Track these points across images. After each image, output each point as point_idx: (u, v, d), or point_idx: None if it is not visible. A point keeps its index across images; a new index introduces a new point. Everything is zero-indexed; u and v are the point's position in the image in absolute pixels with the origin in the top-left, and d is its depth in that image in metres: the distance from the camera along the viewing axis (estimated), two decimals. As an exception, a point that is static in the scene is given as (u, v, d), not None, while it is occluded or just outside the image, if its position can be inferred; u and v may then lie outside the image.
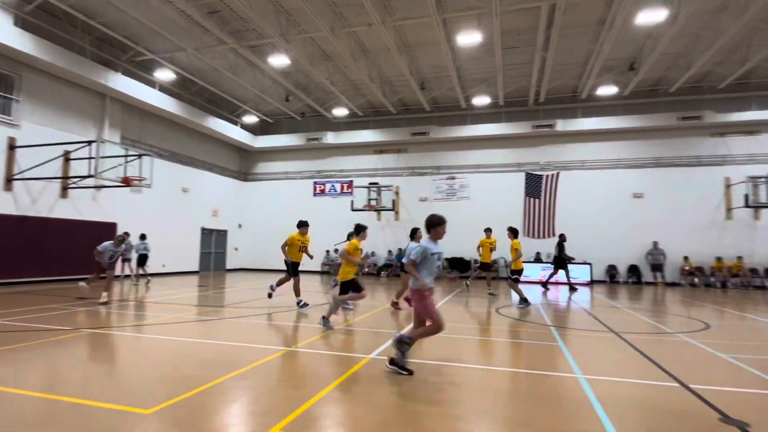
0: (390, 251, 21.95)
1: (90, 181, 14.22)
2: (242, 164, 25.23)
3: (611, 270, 19.09)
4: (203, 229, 21.64)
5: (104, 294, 9.59)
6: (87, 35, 15.11)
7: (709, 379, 4.68)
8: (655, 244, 18.29)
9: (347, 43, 15.05)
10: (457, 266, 20.79)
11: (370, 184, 21.68)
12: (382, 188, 21.58)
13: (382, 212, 21.98)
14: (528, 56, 16.12)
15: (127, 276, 15.52)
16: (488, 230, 13.11)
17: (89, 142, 13.36)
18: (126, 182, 14.10)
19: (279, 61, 15.89)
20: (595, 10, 13.39)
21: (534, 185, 19.72)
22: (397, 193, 21.96)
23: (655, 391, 4.29)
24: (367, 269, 21.88)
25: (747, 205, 17.00)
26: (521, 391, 4.31)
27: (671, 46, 15.00)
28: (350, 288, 7.46)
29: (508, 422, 3.45)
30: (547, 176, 19.56)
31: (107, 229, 15.96)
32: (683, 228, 18.48)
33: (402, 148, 22.72)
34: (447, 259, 21.07)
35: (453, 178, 21.58)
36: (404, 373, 4.55)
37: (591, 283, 18.25)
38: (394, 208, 21.61)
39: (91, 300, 9.78)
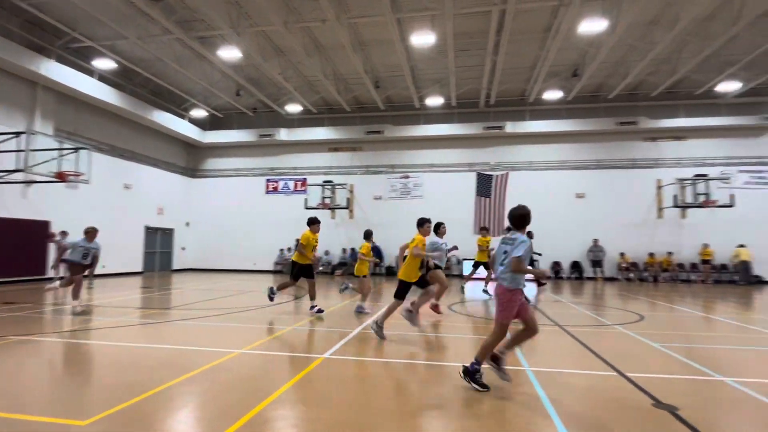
0: (344, 249, 21.87)
1: (19, 176, 13.12)
2: (190, 160, 24.21)
3: (556, 266, 20.04)
4: (147, 228, 20.58)
5: (75, 302, 8.29)
6: (15, 17, 13.92)
7: (643, 368, 5.02)
8: (596, 241, 19.40)
9: (301, 39, 14.81)
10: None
11: (325, 182, 21.48)
12: (337, 186, 21.45)
13: (337, 210, 21.85)
14: (479, 59, 16.56)
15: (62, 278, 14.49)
16: (484, 229, 12.73)
17: (17, 134, 12.32)
18: (60, 177, 13.13)
19: (229, 54, 15.37)
20: (542, 17, 13.96)
21: (485, 185, 20.32)
22: (351, 192, 21.91)
23: (596, 380, 4.55)
24: (321, 267, 21.70)
25: (675, 205, 18.41)
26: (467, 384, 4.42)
27: (610, 55, 15.91)
28: (405, 292, 6.57)
29: (460, 416, 3.53)
30: (497, 176, 20.20)
31: (38, 228, 14.82)
32: (620, 226, 19.71)
33: (356, 147, 22.68)
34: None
35: (407, 177, 21.81)
36: (476, 386, 4.12)
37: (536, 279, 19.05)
38: (348, 206, 21.54)
39: (30, 306, 9.03)
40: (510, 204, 19.80)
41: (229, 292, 12.48)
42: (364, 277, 9.03)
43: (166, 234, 22.07)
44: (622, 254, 19.33)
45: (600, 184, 20.13)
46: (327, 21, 13.09)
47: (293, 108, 21.53)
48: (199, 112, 22.43)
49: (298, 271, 8.51)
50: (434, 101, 20.29)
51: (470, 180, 20.76)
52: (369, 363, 5.11)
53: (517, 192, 20.08)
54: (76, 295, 8.40)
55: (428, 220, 7.68)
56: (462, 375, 4.21)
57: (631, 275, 19.06)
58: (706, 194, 17.91)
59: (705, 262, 18.40)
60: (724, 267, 18.55)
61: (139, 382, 4.16)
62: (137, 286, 14.43)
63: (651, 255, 19.14)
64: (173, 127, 21.17)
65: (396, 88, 19.75)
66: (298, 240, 8.97)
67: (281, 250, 21.76)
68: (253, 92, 19.52)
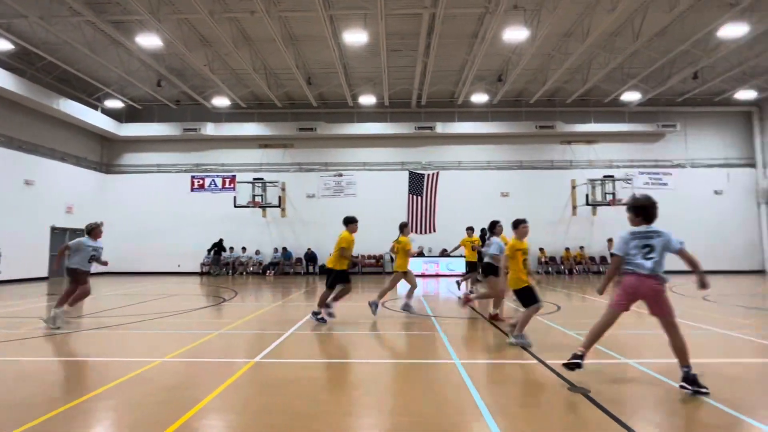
0: (276, 249, 21.34)
1: None
2: (105, 154, 22.30)
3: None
4: (54, 229, 18.66)
5: (64, 309, 7.00)
6: None
7: (560, 355, 5.42)
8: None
9: (228, 30, 14.20)
10: (345, 262, 21.05)
11: (255, 179, 20.80)
12: (268, 184, 20.86)
13: (268, 209, 21.26)
14: (411, 60, 16.91)
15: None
16: (470, 229, 12.35)
17: None
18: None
19: (149, 41, 14.35)
20: (469, 23, 14.55)
21: (417, 183, 20.78)
22: (283, 189, 21.42)
23: (518, 368, 4.85)
24: (251, 268, 21.00)
25: (587, 204, 20.11)
26: (405, 381, 4.53)
27: (531, 62, 16.98)
28: (530, 296, 5.79)
29: (392, 413, 3.60)
30: (428, 175, 20.74)
31: None
32: (540, 223, 21.08)
33: (288, 143, 22.21)
34: (335, 256, 21.23)
35: (340, 175, 21.72)
36: (703, 389, 3.81)
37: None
38: (280, 204, 21.04)
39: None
40: (441, 202, 20.48)
41: (150, 297, 11.69)
42: (405, 273, 8.70)
43: (77, 235, 20.05)
44: (541, 249, 20.73)
45: (522, 184, 21.43)
46: (256, 13, 12.67)
47: (220, 102, 20.60)
48: (114, 103, 20.72)
49: (335, 278, 7.74)
50: (367, 100, 20.42)
51: (403, 178, 21.13)
52: (303, 365, 5.04)
53: (447, 191, 20.78)
54: (74, 302, 7.20)
55: (355, 220, 7.95)
56: (688, 385, 3.87)
57: (550, 269, 20.51)
58: (613, 194, 19.74)
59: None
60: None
61: (42, 401, 3.77)
62: (43, 293, 13.05)
63: (567, 249, 20.73)
64: (84, 118, 19.37)
65: (329, 85, 19.60)
66: (227, 245, 8.58)
67: (210, 251, 20.73)
68: (176, 83, 18.41)
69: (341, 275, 7.78)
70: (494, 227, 7.98)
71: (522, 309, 5.89)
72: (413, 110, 21.86)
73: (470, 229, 12.38)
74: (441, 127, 21.23)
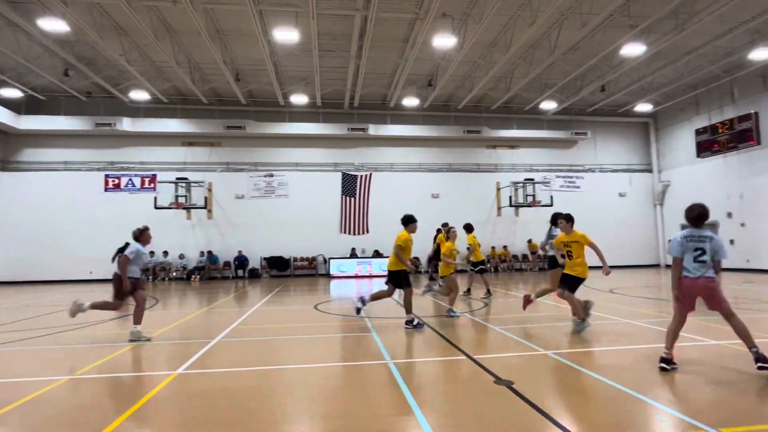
0: (202, 253, 20.29)
1: None
2: (0, 149, 19.86)
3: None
4: (-67, 234, 16.27)
5: (138, 327, 6.54)
6: None
7: (487, 349, 5.70)
8: (449, 237, 21.40)
9: (148, 19, 13.26)
10: (276, 265, 20.54)
11: (178, 179, 19.61)
12: (193, 184, 19.77)
13: (193, 210, 20.16)
14: (344, 61, 16.89)
15: None
16: (445, 226, 12.43)
17: None
18: None
19: (53, 25, 12.99)
20: (400, 28, 14.83)
21: (350, 185, 20.80)
22: (210, 190, 20.41)
23: (448, 365, 5.02)
24: (175, 273, 19.79)
25: (510, 205, 21.32)
26: (338, 384, 4.50)
27: (459, 69, 17.67)
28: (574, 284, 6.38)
29: (324, 418, 3.56)
30: (361, 176, 20.85)
31: None
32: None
33: (215, 142, 21.21)
34: (266, 259, 20.62)
35: (271, 175, 21.15)
36: None
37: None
38: (206, 205, 20.01)
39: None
40: (373, 203, 20.66)
41: (54, 308, 10.59)
42: (450, 276, 8.53)
43: (-37, 240, 17.75)
44: (468, 248, 21.60)
45: (451, 186, 22.22)
46: (179, 3, 11.95)
47: (139, 95, 19.18)
48: (11, 92, 18.50)
49: (397, 279, 7.52)
50: (299, 99, 20.07)
51: (336, 179, 21.04)
52: (231, 374, 4.84)
53: (379, 192, 21.01)
54: (139, 319, 6.63)
55: (413, 219, 7.99)
56: (764, 363, 4.22)
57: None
58: (533, 195, 21.10)
59: (532, 253, 21.69)
60: (539, 257, 22.10)
61: None
62: None
63: (493, 248, 21.81)
64: (-28, 108, 17.09)
65: (259, 83, 19.02)
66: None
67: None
68: (87, 73, 16.86)
69: (406, 275, 7.57)
70: (556, 221, 7.73)
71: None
72: (346, 111, 21.84)
73: (445, 227, 12.32)
74: (374, 129, 21.41)
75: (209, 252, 20.18)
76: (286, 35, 13.84)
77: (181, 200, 19.44)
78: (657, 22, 13.90)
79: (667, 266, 22.52)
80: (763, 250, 17.88)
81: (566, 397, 3.92)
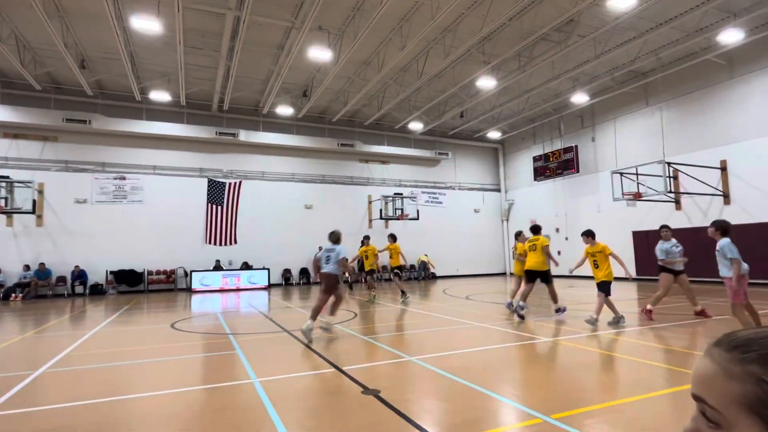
0: (27, 266, 16.98)
1: None
2: None
3: (286, 273, 21.01)
4: None
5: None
6: None
7: (355, 360, 5.80)
8: (321, 248, 21.36)
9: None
10: (126, 280, 18.16)
11: (-5, 177, 16.20)
12: (17, 184, 16.50)
13: (16, 215, 16.81)
14: (213, 61, 15.90)
15: None
16: (391, 236, 13.44)
17: None
18: None
19: None
20: (275, 34, 14.54)
21: (217, 192, 19.51)
22: (40, 192, 17.24)
23: (317, 378, 4.98)
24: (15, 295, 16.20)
25: (381, 218, 22.23)
26: (197, 409, 4.14)
27: (334, 83, 17.98)
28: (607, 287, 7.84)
29: (182, 448, 3.24)
30: (230, 184, 19.73)
31: None
32: (342, 235, 22.31)
33: (50, 136, 18.07)
34: (113, 273, 18.10)
35: (123, 178, 18.78)
36: None
37: (269, 287, 19.52)
38: (34, 210, 16.80)
39: None
40: (243, 213, 19.68)
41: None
42: (520, 277, 9.64)
43: None
44: (345, 259, 21.86)
45: (325, 197, 22.32)
46: (5, -31, 10.01)
47: (-60, 72, 15.43)
48: None
49: (546, 275, 8.80)
50: (160, 96, 18.25)
51: (201, 186, 19.56)
52: (61, 411, 4.11)
53: (249, 201, 20.13)
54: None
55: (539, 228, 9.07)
56: None
57: (349, 278, 21.75)
58: (401, 209, 22.34)
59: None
60: (412, 267, 23.47)
61: None
62: None
63: (363, 259, 22.41)
64: None
65: (110, 73, 16.83)
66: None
67: None
68: None
69: (547, 274, 8.85)
70: (661, 231, 8.75)
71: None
72: (215, 114, 20.51)
73: (392, 237, 13.58)
74: (245, 135, 20.47)
75: (41, 264, 16.98)
76: (146, 24, 12.53)
77: (0, 203, 16.07)
78: (505, 61, 15.99)
79: (511, 274, 25.74)
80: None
81: (428, 401, 4.19)
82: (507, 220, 26.56)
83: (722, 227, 5.93)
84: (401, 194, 22.88)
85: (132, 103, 18.85)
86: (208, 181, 19.45)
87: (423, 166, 25.05)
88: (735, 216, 15.11)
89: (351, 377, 4.88)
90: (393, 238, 13.58)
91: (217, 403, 4.21)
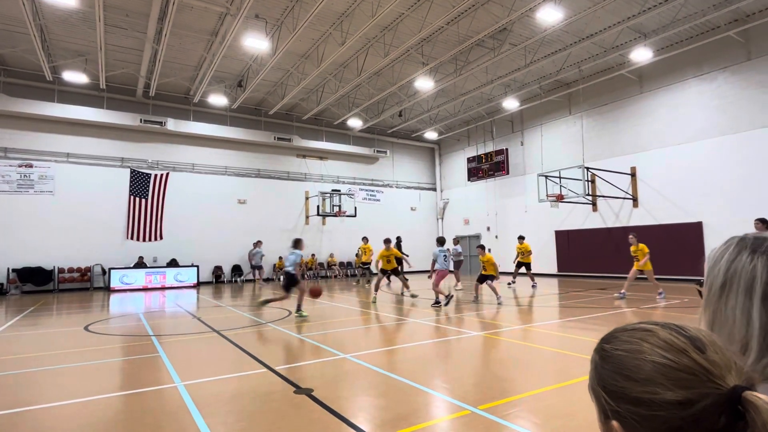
0: None
1: None
2: None
3: (217, 271, 20.12)
4: None
5: None
6: None
7: (288, 359, 5.69)
8: (256, 244, 20.63)
9: None
10: (32, 279, 16.42)
11: None
12: None
13: None
14: (138, 43, 14.81)
15: None
16: (387, 241, 12.95)
17: None
18: None
19: None
20: (208, 19, 13.82)
21: (141, 184, 18.20)
22: (-76, 179, 15.09)
23: (247, 380, 4.81)
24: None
25: (318, 214, 21.96)
26: (113, 418, 3.84)
27: (271, 74, 17.45)
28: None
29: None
30: (156, 176, 18.49)
31: None
32: (277, 231, 21.78)
33: (-62, 115, 15.87)
34: (16, 271, 16.29)
35: (30, 166, 16.95)
36: None
37: (198, 285, 18.58)
38: None
39: None
40: (169, 207, 18.52)
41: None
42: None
43: None
44: (280, 258, 21.36)
45: (260, 192, 21.64)
46: None
47: None
48: None
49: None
50: (75, 77, 16.60)
51: (123, 177, 18.16)
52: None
53: (178, 194, 19.03)
54: None
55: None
56: None
57: (282, 276, 21.28)
58: (339, 206, 22.21)
59: (334, 264, 22.77)
60: (349, 264, 23.46)
61: None
62: None
63: (301, 256, 22.00)
64: None
65: (14, 47, 15.09)
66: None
67: None
68: None
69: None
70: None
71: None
72: (140, 100, 19.10)
73: (387, 241, 13.06)
74: (173, 124, 19.26)
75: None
76: (59, -2, 11.36)
77: None
78: (442, 64, 16.42)
79: (451, 272, 26.54)
80: (510, 257, 22.70)
81: (362, 398, 4.20)
82: (442, 219, 27.34)
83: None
84: (339, 191, 22.75)
85: (42, 83, 17.04)
86: (131, 172, 18.09)
87: (361, 163, 25.08)
88: (641, 218, 16.71)
89: (283, 377, 4.77)
90: (388, 241, 13.34)
91: (136, 410, 3.93)
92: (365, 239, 17.31)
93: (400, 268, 14.07)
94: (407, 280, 13.71)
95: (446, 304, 10.09)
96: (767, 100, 13.58)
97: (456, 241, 17.46)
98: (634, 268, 10.69)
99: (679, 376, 0.54)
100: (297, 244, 10.34)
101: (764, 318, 0.70)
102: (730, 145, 14.36)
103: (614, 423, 0.58)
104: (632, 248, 10.80)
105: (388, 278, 14.98)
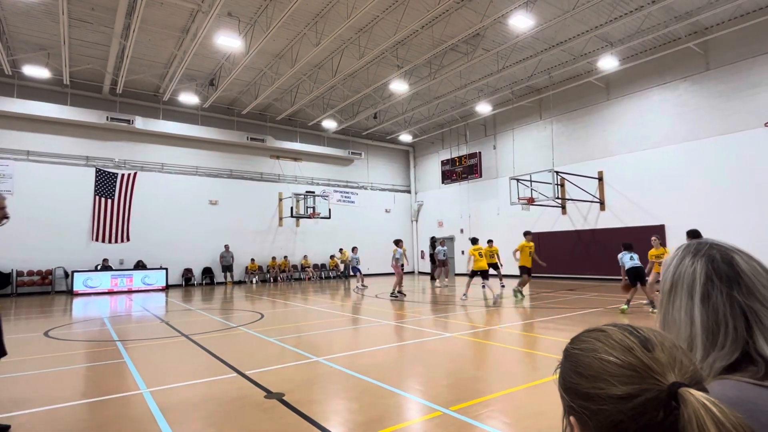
0: None
1: None
2: None
3: (187, 273, 19.62)
4: None
5: None
6: None
7: (259, 363, 5.59)
8: (227, 247, 20.27)
9: None
10: (-13, 282, 15.61)
11: None
12: None
13: None
14: (105, 38, 14.33)
15: None
16: (398, 241, 13.84)
17: None
18: None
19: None
20: (179, 15, 13.49)
21: (107, 184, 17.56)
22: None
23: (216, 385, 4.71)
24: None
25: (292, 216, 21.72)
26: (76, 425, 3.68)
27: (244, 74, 17.19)
28: None
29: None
30: (123, 175, 17.88)
31: None
32: (249, 233, 21.43)
33: None
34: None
35: (-15, 164, 16.12)
36: None
37: (167, 288, 18.08)
38: None
39: None
40: (137, 207, 17.95)
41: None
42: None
43: None
44: (252, 260, 21.01)
45: (232, 193, 21.24)
46: None
47: None
48: None
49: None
50: (36, 72, 15.89)
51: (88, 176, 17.50)
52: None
53: (146, 195, 18.49)
54: None
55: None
56: None
57: (256, 278, 20.97)
58: (313, 207, 22.04)
59: (308, 266, 22.57)
60: (323, 266, 23.29)
61: None
62: None
63: (273, 258, 21.74)
64: None
65: (-30, 40, 14.33)
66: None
67: None
68: None
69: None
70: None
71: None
72: (106, 97, 18.45)
73: (399, 242, 13.94)
74: (142, 123, 18.69)
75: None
76: (20, -11, 10.89)
77: None
78: (417, 67, 16.54)
79: (420, 273, 26.70)
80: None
81: (334, 401, 4.17)
82: (416, 221, 27.50)
83: None
84: (313, 192, 22.57)
85: (0, 77, 16.27)
86: (96, 171, 17.44)
87: (336, 164, 24.97)
88: (608, 221, 17.24)
89: (254, 381, 4.69)
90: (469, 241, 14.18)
91: (98, 419, 3.79)
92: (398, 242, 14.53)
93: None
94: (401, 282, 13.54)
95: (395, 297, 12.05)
96: (725, 109, 14.27)
97: (442, 242, 17.99)
98: (654, 271, 9.58)
99: (622, 373, 0.57)
100: (398, 243, 13.41)
101: (704, 317, 0.75)
102: (691, 151, 15.01)
103: (572, 418, 0.61)
104: (655, 251, 9.69)
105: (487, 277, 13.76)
